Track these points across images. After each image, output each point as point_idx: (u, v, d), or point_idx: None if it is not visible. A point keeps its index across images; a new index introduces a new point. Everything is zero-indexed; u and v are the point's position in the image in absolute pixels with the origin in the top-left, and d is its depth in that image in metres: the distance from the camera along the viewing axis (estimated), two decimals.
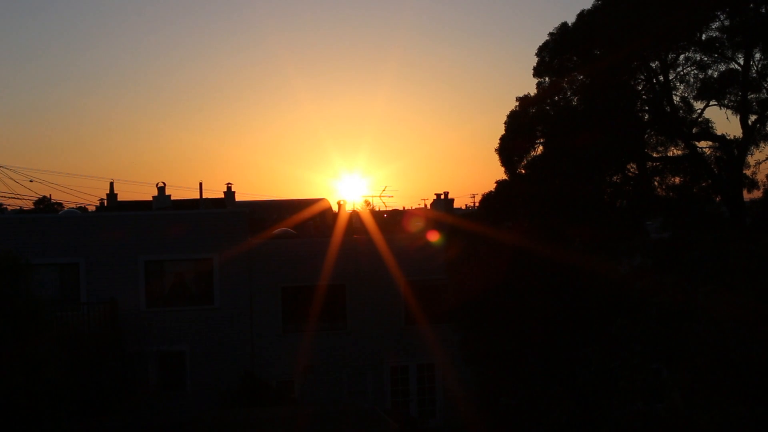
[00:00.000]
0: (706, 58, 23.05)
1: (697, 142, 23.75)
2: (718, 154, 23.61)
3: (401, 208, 51.86)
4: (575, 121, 22.94)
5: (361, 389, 28.27)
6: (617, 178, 24.16)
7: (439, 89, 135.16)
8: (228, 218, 28.04)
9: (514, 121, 24.11)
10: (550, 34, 23.89)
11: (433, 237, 29.30)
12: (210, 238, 27.16)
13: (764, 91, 22.89)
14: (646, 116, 24.17)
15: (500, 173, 27.35)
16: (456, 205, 41.25)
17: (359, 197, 45.71)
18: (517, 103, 24.39)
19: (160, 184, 33.97)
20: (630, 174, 24.17)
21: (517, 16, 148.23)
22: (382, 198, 45.83)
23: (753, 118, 22.94)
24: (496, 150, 24.36)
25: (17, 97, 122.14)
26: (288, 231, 31.62)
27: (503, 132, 24.30)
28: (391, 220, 40.25)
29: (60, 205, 50.43)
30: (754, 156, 23.21)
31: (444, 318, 25.71)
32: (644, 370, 13.21)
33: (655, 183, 24.05)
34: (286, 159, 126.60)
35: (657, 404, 12.94)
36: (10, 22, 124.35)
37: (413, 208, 52.55)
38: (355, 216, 36.41)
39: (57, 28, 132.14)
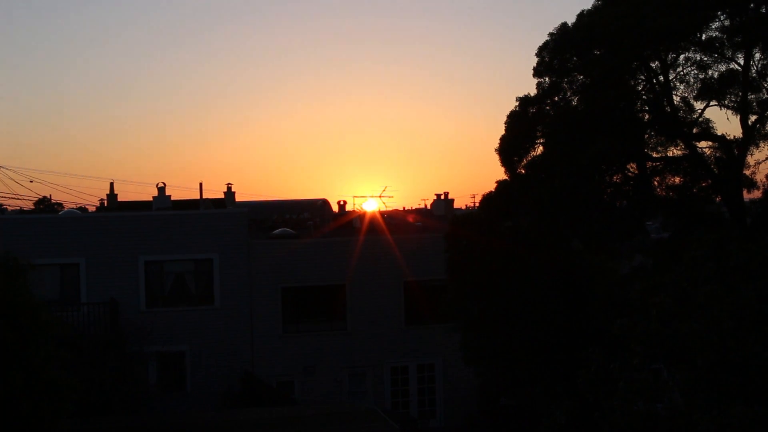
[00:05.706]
0: (706, 58, 23.02)
1: (697, 142, 23.73)
2: (718, 154, 23.58)
3: (401, 208, 51.89)
4: (575, 121, 22.92)
5: (361, 389, 28.27)
6: (617, 178, 24.14)
7: (439, 89, 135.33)
8: (228, 218, 28.05)
9: (514, 121, 24.09)
10: (550, 34, 23.83)
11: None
12: (210, 239, 27.16)
13: (764, 91, 22.87)
14: (646, 116, 24.14)
15: (500, 173, 27.34)
16: (456, 205, 41.27)
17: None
18: (517, 103, 24.36)
19: (160, 185, 33.98)
20: (630, 174, 24.15)
21: (517, 16, 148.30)
22: (382, 198, 45.72)
23: (753, 118, 22.92)
24: (496, 150, 24.34)
25: (17, 98, 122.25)
26: (288, 231, 31.63)
27: (503, 132, 24.30)
28: (390, 220, 40.34)
29: (60, 205, 50.33)
30: (754, 156, 23.21)
31: (444, 318, 25.72)
32: (644, 370, 13.18)
33: (655, 183, 24.03)
34: (285, 159, 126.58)
35: (657, 404, 12.95)
36: (10, 22, 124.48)
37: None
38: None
39: (57, 28, 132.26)
